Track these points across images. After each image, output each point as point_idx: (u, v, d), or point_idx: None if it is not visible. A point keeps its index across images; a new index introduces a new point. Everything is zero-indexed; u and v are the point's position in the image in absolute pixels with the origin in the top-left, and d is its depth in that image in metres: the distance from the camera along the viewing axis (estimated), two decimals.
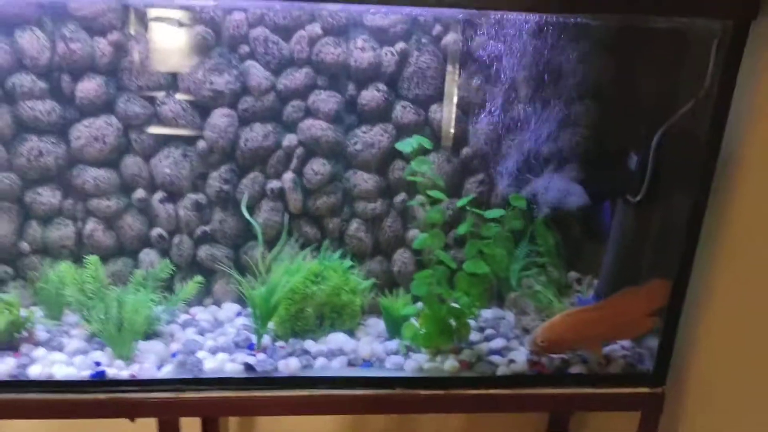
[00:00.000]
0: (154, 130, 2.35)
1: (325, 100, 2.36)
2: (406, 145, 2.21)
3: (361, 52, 2.31)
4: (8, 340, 2.20)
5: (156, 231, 2.45)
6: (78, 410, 2.12)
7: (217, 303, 2.56)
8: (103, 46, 2.24)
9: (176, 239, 2.47)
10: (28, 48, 2.21)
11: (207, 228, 2.47)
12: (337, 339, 2.34)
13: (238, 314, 2.50)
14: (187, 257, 2.48)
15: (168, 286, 2.41)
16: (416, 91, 2.37)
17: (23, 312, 2.22)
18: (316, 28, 2.30)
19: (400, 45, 2.33)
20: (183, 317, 2.45)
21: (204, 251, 2.48)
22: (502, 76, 2.28)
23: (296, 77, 2.34)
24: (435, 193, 2.19)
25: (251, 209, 2.44)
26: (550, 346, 2.23)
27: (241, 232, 2.49)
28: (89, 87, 2.27)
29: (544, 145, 2.31)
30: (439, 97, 2.39)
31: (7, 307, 2.18)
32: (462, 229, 2.22)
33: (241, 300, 2.54)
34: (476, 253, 2.20)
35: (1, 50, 2.20)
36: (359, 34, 2.31)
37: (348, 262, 2.41)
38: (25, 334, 2.23)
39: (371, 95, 2.36)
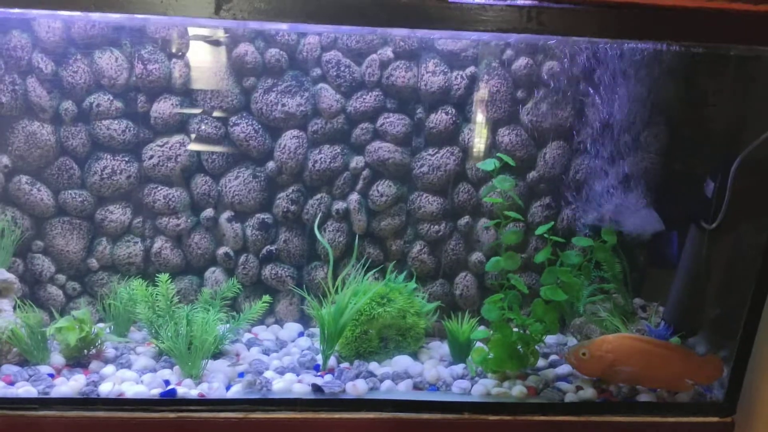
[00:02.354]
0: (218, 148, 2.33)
1: (394, 122, 2.32)
2: (489, 164, 2.15)
3: (431, 75, 2.27)
4: (78, 356, 2.17)
5: (222, 250, 2.41)
6: (147, 429, 2.07)
7: (279, 322, 2.51)
8: (179, 67, 2.23)
9: (242, 258, 2.43)
10: (107, 68, 2.20)
11: (272, 247, 2.43)
12: (402, 362, 2.27)
13: (300, 334, 2.45)
14: (252, 276, 2.44)
15: (231, 305, 2.37)
16: (485, 114, 2.33)
17: (94, 328, 2.19)
18: (387, 52, 2.27)
19: (471, 69, 2.29)
20: (246, 336, 2.41)
21: (269, 270, 2.44)
22: (574, 101, 2.23)
23: (366, 100, 2.30)
24: (513, 214, 2.13)
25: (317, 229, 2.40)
26: (587, 362, 2.14)
27: (305, 252, 2.44)
28: (164, 107, 2.25)
29: (618, 170, 2.24)
30: (507, 120, 2.34)
31: (79, 324, 2.15)
32: (540, 257, 2.15)
33: (302, 320, 2.50)
34: (554, 280, 2.13)
35: (81, 70, 2.20)
36: (430, 58, 2.28)
37: (412, 284, 2.36)
38: (93, 350, 2.20)
39: (440, 118, 2.32)
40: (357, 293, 2.22)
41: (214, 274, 2.42)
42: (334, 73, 2.27)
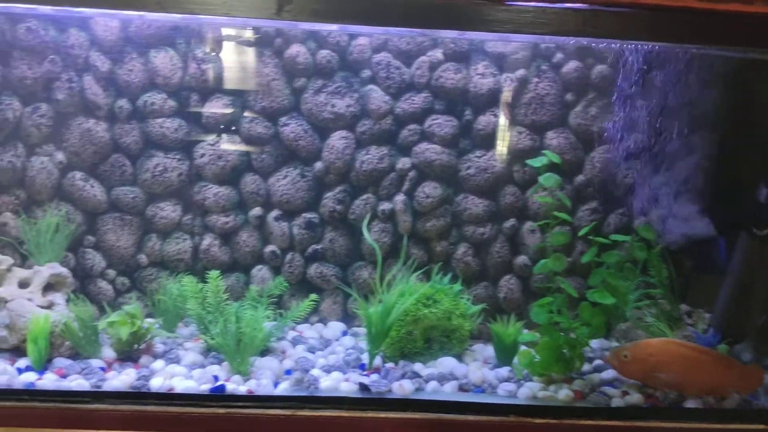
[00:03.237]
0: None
1: (442, 124, 2.31)
2: (537, 161, 2.14)
3: (481, 77, 2.27)
4: (128, 350, 2.19)
5: (269, 248, 2.42)
6: (196, 424, 2.07)
7: (323, 321, 2.51)
8: (233, 67, 2.24)
9: (288, 257, 2.44)
10: (162, 67, 2.22)
11: (318, 247, 2.43)
12: (447, 363, 2.26)
13: (344, 333, 2.45)
14: (297, 275, 2.44)
15: (276, 302, 2.38)
16: (533, 117, 2.31)
17: (144, 323, 2.21)
18: (437, 54, 2.26)
19: (520, 71, 2.28)
20: (291, 334, 2.41)
21: (314, 269, 2.45)
22: (625, 105, 2.21)
23: (415, 101, 2.30)
24: (562, 215, 2.12)
25: (361, 230, 2.40)
26: (628, 365, 2.11)
27: (350, 251, 2.45)
28: (217, 107, 2.27)
29: (668, 175, 2.22)
30: (555, 123, 2.33)
31: (131, 318, 2.17)
32: (586, 257, 2.14)
33: (346, 319, 2.50)
34: (600, 282, 2.11)
35: (136, 69, 2.22)
36: (480, 60, 2.27)
37: (458, 286, 2.35)
38: (143, 345, 2.22)
39: (488, 120, 2.31)
40: (404, 294, 2.21)
41: (260, 271, 2.43)
42: (384, 75, 2.27)
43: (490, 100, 2.30)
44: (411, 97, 2.30)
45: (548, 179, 2.14)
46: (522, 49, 2.26)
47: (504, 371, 2.24)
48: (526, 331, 2.32)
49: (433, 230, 2.41)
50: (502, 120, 2.30)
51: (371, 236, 2.40)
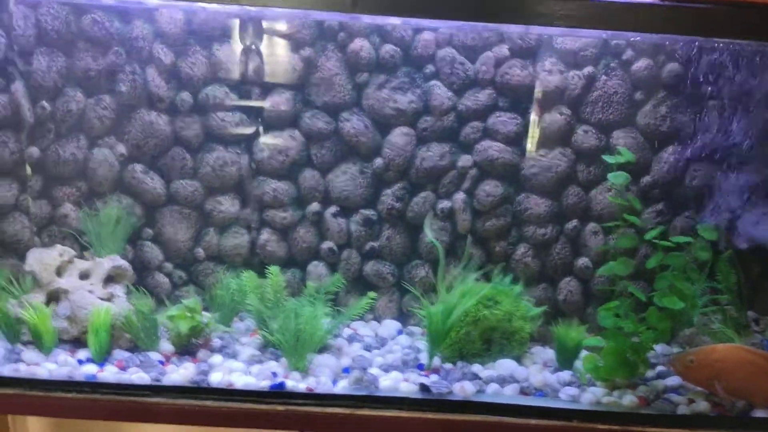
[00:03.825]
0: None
1: (505, 121, 2.26)
2: (612, 157, 2.09)
3: (547, 74, 2.21)
4: (185, 344, 2.18)
5: (327, 244, 2.40)
6: (255, 420, 2.06)
7: (377, 319, 2.48)
8: (295, 61, 2.22)
9: (345, 253, 2.41)
10: (225, 61, 2.20)
11: (375, 244, 2.40)
12: (507, 365, 2.21)
13: (399, 332, 2.42)
14: (353, 272, 2.41)
15: (332, 299, 2.35)
16: (600, 115, 2.25)
17: (203, 318, 2.19)
18: (503, 50, 2.21)
19: (588, 69, 2.22)
20: (346, 331, 2.39)
21: (370, 267, 2.41)
22: (695, 104, 2.14)
23: (478, 98, 2.25)
24: (633, 218, 2.06)
25: (420, 228, 2.36)
26: (693, 370, 2.04)
27: (407, 250, 2.41)
28: (278, 101, 2.24)
29: (739, 177, 2.15)
30: (623, 123, 2.26)
31: (190, 312, 2.15)
32: (652, 262, 2.08)
33: (401, 317, 2.46)
34: (667, 286, 2.05)
35: (199, 62, 2.21)
36: (547, 56, 2.21)
37: (519, 288, 2.30)
38: (201, 339, 2.21)
39: (553, 118, 2.26)
40: (465, 294, 2.17)
41: (317, 268, 2.41)
42: (448, 71, 2.23)
43: (556, 98, 2.24)
44: (475, 93, 2.25)
45: (618, 177, 2.08)
46: (591, 46, 2.19)
47: (565, 375, 2.19)
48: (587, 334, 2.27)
49: (493, 230, 2.36)
50: (565, 117, 2.24)
51: (430, 234, 2.36)
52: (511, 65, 2.21)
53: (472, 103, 2.25)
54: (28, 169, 2.31)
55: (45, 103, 2.24)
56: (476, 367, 2.20)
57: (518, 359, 2.27)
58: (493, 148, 2.28)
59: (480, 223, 2.36)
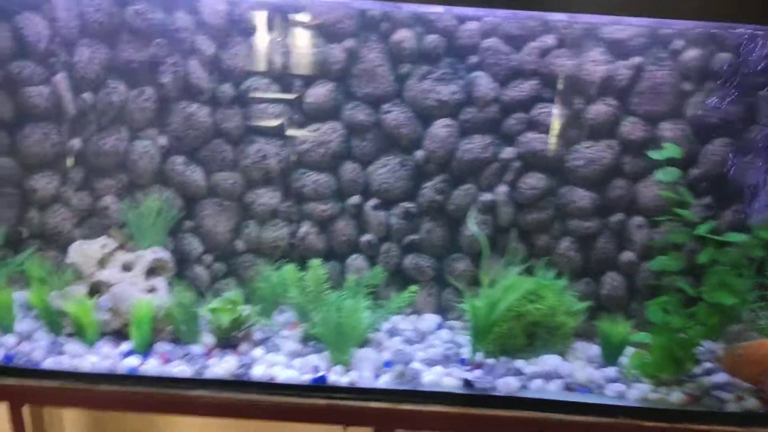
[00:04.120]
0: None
1: (550, 113, 2.22)
2: (658, 153, 2.04)
3: (594, 64, 2.16)
4: (226, 337, 2.17)
5: (366, 237, 2.37)
6: (297, 414, 2.05)
7: (416, 312, 2.45)
8: (338, 52, 2.19)
9: (384, 247, 2.39)
10: (266, 52, 2.18)
11: (415, 237, 2.38)
12: (550, 361, 2.18)
13: (439, 326, 2.39)
14: (393, 265, 2.39)
15: (371, 293, 2.33)
16: (647, 106, 2.20)
17: (244, 310, 2.18)
18: (549, 39, 2.17)
19: (636, 59, 2.17)
20: (385, 325, 2.36)
21: (410, 260, 2.39)
22: (746, 95, 2.08)
23: (523, 89, 2.21)
24: (686, 212, 2.01)
25: (460, 221, 2.33)
26: (742, 365, 2.00)
27: (448, 243, 2.38)
28: (320, 93, 2.22)
29: None
30: (670, 114, 2.21)
31: (232, 305, 2.14)
32: (703, 257, 2.03)
33: (440, 311, 2.43)
34: (717, 282, 2.00)
35: (241, 54, 2.19)
36: (593, 46, 2.17)
37: (562, 282, 2.26)
38: (242, 332, 2.20)
39: (599, 109, 2.21)
40: (508, 288, 2.14)
41: (356, 261, 2.39)
42: (492, 61, 2.19)
43: (603, 89, 2.19)
44: (519, 84, 2.21)
45: (668, 174, 2.03)
46: (639, 36, 2.14)
47: (611, 371, 2.15)
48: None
49: (536, 223, 2.32)
50: (611, 108, 2.19)
51: (470, 228, 2.32)
52: (557, 55, 2.17)
53: (516, 94, 2.21)
54: (70, 161, 2.31)
55: (87, 95, 2.23)
56: (519, 363, 2.16)
57: (561, 355, 2.23)
58: (536, 140, 2.24)
59: (522, 216, 2.32)
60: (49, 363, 2.01)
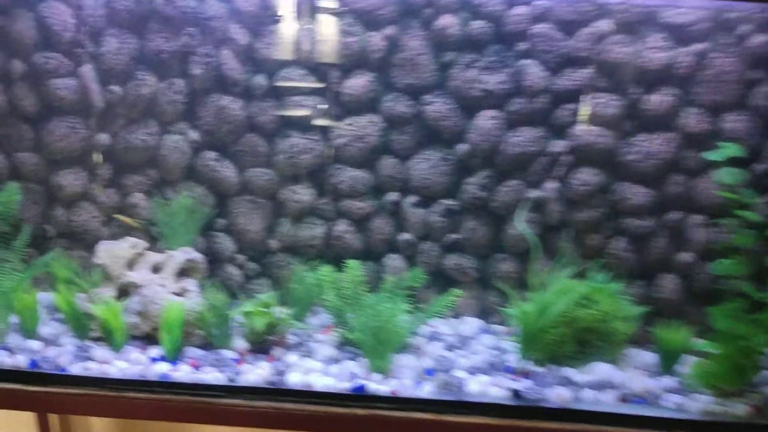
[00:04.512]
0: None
1: (605, 103, 2.08)
2: (715, 154, 1.90)
3: (653, 52, 2.02)
4: (259, 341, 2.07)
5: (404, 236, 2.25)
6: (334, 423, 1.94)
7: (457, 316, 2.33)
8: (377, 40, 2.07)
9: (424, 246, 2.26)
10: (302, 42, 2.07)
11: (457, 236, 2.25)
12: (602, 370, 2.04)
13: (482, 331, 2.27)
14: (433, 265, 2.27)
15: (409, 294, 2.22)
16: (710, 97, 2.05)
17: (280, 313, 2.08)
18: (604, 25, 2.03)
19: (698, 45, 2.02)
20: (425, 329, 2.24)
21: (451, 260, 2.27)
22: None
23: (575, 78, 2.07)
24: (750, 215, 1.86)
25: (505, 220, 2.20)
26: None
27: (491, 243, 2.25)
28: (358, 84, 2.10)
29: None
30: (736, 105, 2.06)
31: (266, 307, 2.04)
32: None
33: (483, 315, 2.31)
34: None
35: (275, 43, 2.08)
36: (653, 32, 2.02)
37: (617, 285, 2.12)
38: (275, 336, 2.09)
39: (660, 100, 2.06)
40: (560, 292, 2.01)
41: (394, 261, 2.27)
42: (542, 48, 2.05)
43: (662, 77, 2.04)
44: (571, 73, 2.07)
45: (730, 175, 1.88)
46: (701, 20, 1.99)
47: (668, 380, 2.01)
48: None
49: (588, 222, 2.18)
50: (670, 99, 2.05)
51: (518, 227, 2.19)
52: (613, 41, 2.02)
53: (568, 83, 2.07)
54: (98, 157, 2.23)
55: (115, 87, 2.15)
56: (569, 371, 2.03)
57: (613, 363, 2.09)
58: (590, 133, 2.10)
59: (573, 214, 2.19)
60: (76, 369, 1.93)
